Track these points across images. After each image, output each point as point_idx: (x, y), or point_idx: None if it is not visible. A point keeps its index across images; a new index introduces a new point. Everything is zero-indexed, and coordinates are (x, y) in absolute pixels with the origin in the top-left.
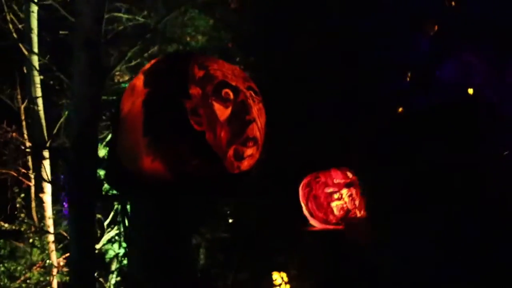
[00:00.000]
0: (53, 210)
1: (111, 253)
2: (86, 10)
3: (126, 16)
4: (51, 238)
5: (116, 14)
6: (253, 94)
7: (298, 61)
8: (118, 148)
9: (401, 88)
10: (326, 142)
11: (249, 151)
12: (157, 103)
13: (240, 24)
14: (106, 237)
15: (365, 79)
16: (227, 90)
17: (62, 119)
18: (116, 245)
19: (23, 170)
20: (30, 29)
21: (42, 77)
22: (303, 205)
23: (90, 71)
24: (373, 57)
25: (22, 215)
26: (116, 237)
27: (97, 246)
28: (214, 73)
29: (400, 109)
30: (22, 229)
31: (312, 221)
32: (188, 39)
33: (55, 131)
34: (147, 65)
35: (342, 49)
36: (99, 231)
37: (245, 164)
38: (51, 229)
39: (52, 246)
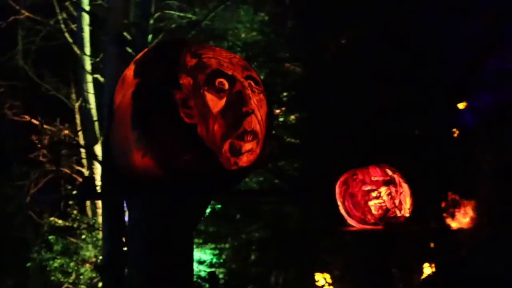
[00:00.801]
0: None
1: None
2: (117, 7)
3: (178, 13)
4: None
5: (167, 11)
6: (252, 84)
7: (344, 55)
8: (111, 143)
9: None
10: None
11: (247, 146)
12: (146, 95)
13: (287, 18)
14: None
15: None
16: (221, 79)
17: None
18: None
19: (76, 167)
20: (81, 30)
21: (93, 76)
22: (339, 203)
23: (122, 67)
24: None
25: (75, 212)
26: None
27: None
28: (207, 62)
29: (463, 105)
30: (75, 225)
31: (350, 221)
32: (242, 35)
33: None
34: (139, 55)
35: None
36: None
37: (244, 160)
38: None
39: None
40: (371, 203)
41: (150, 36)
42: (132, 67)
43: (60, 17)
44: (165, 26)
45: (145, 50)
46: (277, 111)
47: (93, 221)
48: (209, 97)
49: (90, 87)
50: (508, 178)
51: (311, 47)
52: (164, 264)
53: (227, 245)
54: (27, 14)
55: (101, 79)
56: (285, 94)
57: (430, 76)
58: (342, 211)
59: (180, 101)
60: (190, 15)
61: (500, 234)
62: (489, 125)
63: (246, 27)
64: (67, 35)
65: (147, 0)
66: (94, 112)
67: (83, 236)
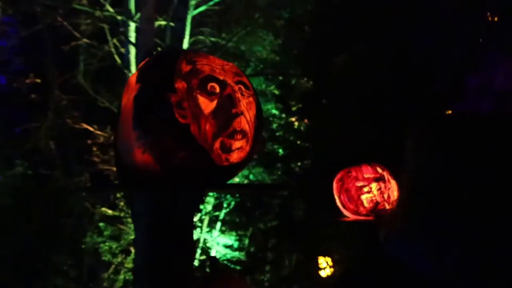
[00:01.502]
0: None
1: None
2: (147, 27)
3: (210, 38)
4: None
5: (200, 37)
6: (242, 88)
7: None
8: (118, 142)
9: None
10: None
11: (237, 144)
12: (145, 98)
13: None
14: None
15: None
16: (213, 84)
17: None
18: (198, 230)
19: None
20: (128, 52)
21: None
22: (336, 197)
23: None
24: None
25: (122, 203)
26: (199, 223)
27: None
28: (201, 68)
29: (448, 112)
30: (121, 214)
31: (345, 212)
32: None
33: None
34: (142, 63)
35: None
36: None
37: (235, 157)
38: None
39: None
40: (363, 197)
41: None
42: (135, 73)
43: (111, 43)
44: (199, 49)
45: (147, 59)
46: (293, 119)
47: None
48: (201, 100)
49: None
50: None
51: (317, 64)
52: (165, 252)
53: (247, 233)
54: (85, 40)
55: None
56: (294, 103)
57: (419, 88)
58: (338, 204)
59: (175, 103)
60: (219, 39)
61: (412, 226)
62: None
63: (266, 49)
64: (116, 57)
65: (182, 26)
66: None
67: (129, 224)
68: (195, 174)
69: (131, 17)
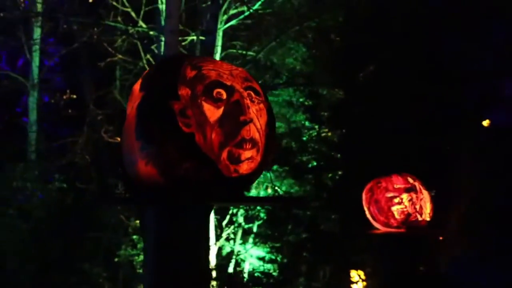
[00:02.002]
0: None
1: (227, 249)
2: (172, 40)
3: (242, 51)
4: None
5: (232, 50)
6: (252, 94)
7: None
8: (123, 153)
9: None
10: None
11: (247, 154)
12: (148, 106)
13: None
14: (224, 235)
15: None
16: (219, 89)
17: None
18: (231, 242)
19: None
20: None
21: None
22: (365, 209)
23: None
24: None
25: None
26: (232, 235)
27: (216, 244)
28: (206, 73)
29: (487, 123)
30: None
31: (375, 224)
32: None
33: None
34: (147, 70)
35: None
36: (218, 230)
37: (245, 168)
38: None
39: None
40: (393, 208)
41: None
42: (139, 81)
43: (145, 59)
44: (231, 62)
45: (152, 66)
46: (324, 129)
47: None
48: (207, 107)
49: None
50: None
51: (348, 74)
52: (172, 268)
53: (280, 245)
54: (120, 56)
55: None
56: (325, 114)
57: (455, 96)
58: (368, 216)
59: (178, 111)
60: (250, 52)
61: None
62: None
63: (297, 60)
64: None
65: (212, 40)
66: None
67: None
68: (202, 186)
69: (163, 33)
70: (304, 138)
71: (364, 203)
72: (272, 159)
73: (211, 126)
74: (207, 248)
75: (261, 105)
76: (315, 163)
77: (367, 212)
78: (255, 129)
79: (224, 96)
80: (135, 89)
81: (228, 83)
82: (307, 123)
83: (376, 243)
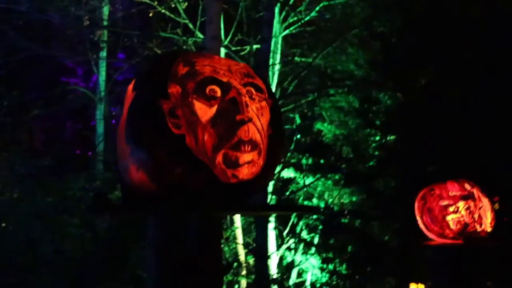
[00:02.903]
0: (244, 220)
1: (288, 259)
2: (213, 45)
3: (298, 58)
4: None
5: (296, 59)
6: (252, 91)
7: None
8: (117, 159)
9: None
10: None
11: (246, 157)
12: (138, 107)
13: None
14: (285, 245)
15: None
16: (213, 86)
17: None
18: (292, 252)
19: None
20: None
21: None
22: (418, 218)
23: None
24: None
25: None
26: (293, 245)
27: (277, 253)
28: (200, 69)
29: None
30: None
31: (429, 235)
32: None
33: None
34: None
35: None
36: (279, 240)
37: (245, 173)
38: (240, 238)
39: (241, 251)
40: (448, 217)
41: (275, 78)
42: (133, 81)
43: None
44: (290, 70)
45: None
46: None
47: (232, 232)
48: (198, 105)
49: None
50: None
51: (405, 78)
52: (173, 277)
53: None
54: None
55: None
56: (382, 118)
57: None
58: (421, 226)
59: (167, 111)
60: (308, 59)
61: None
62: None
63: (356, 65)
64: None
65: (267, 47)
66: None
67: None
68: (197, 193)
69: (220, 42)
70: (361, 145)
71: (416, 212)
72: (278, 163)
73: (203, 126)
74: (211, 259)
75: (263, 103)
76: (368, 170)
77: (419, 222)
78: (255, 129)
79: (219, 93)
80: (129, 89)
81: (224, 80)
82: (365, 130)
83: (431, 255)
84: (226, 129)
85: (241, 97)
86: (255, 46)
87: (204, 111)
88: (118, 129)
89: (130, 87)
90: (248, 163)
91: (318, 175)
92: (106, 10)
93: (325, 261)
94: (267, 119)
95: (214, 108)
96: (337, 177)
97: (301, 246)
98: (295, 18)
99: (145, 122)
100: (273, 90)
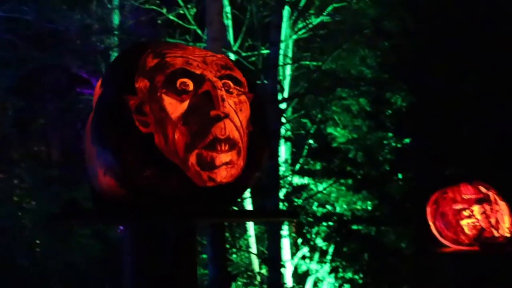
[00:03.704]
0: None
1: (303, 268)
2: (215, 47)
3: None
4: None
5: (302, 62)
6: (230, 84)
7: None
8: (86, 162)
9: None
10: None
11: (223, 157)
12: (103, 104)
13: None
14: (300, 254)
15: None
16: (184, 79)
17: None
18: (307, 260)
19: None
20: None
21: None
22: (430, 223)
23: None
24: None
25: (227, 234)
26: (308, 254)
27: (292, 262)
28: (170, 61)
29: None
30: (227, 246)
31: (443, 241)
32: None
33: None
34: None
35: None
36: (294, 248)
37: (223, 175)
38: (254, 246)
39: (255, 260)
40: (463, 222)
41: (286, 83)
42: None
43: None
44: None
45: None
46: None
47: (245, 242)
48: (168, 101)
49: None
50: None
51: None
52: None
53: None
54: None
55: None
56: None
57: None
58: (434, 232)
59: (134, 107)
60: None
61: None
62: None
63: (366, 67)
64: None
65: (275, 51)
66: None
67: (234, 256)
68: (170, 198)
69: (229, 48)
70: (374, 149)
71: (428, 217)
72: (261, 164)
73: (173, 124)
74: (186, 269)
75: (243, 97)
76: (385, 175)
77: (432, 228)
78: (233, 126)
79: (191, 87)
80: (97, 86)
81: (198, 72)
82: (378, 133)
83: (446, 263)
84: (199, 126)
85: (216, 91)
86: (264, 51)
87: (175, 107)
88: (85, 130)
89: (99, 83)
90: (226, 164)
91: (330, 181)
92: (116, 18)
93: (333, 270)
94: (246, 115)
95: (186, 103)
96: (350, 182)
97: (317, 254)
98: (304, 24)
99: (110, 120)
100: (286, 95)
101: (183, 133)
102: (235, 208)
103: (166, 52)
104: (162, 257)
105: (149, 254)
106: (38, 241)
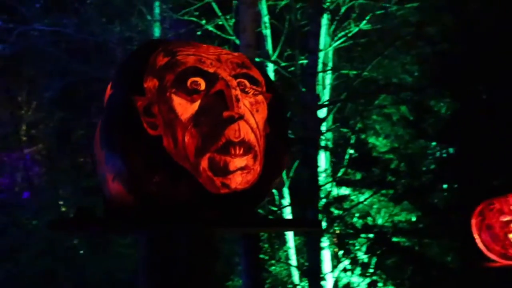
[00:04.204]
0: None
1: (344, 281)
2: (248, 54)
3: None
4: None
5: (343, 71)
6: (246, 83)
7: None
8: (97, 171)
9: None
10: None
11: (237, 162)
12: (110, 106)
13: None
14: (341, 266)
15: None
16: (195, 78)
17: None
18: (349, 273)
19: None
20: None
21: None
22: (476, 236)
23: None
24: None
25: (266, 245)
26: (348, 266)
27: (333, 274)
28: (182, 59)
29: None
30: (266, 258)
31: (490, 255)
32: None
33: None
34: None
35: None
36: (335, 260)
37: (237, 181)
38: (294, 258)
39: (295, 272)
40: (511, 235)
41: (326, 93)
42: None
43: None
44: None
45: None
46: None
47: (284, 253)
48: (177, 101)
49: None
50: None
51: (460, 86)
52: None
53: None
54: None
55: None
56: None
57: None
58: (480, 245)
59: (142, 109)
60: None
61: None
62: None
63: (408, 74)
64: None
65: (314, 59)
66: None
67: (273, 268)
68: (180, 206)
69: (268, 58)
70: (417, 158)
71: (473, 229)
72: (281, 170)
73: (183, 126)
74: (200, 282)
75: (260, 97)
76: (428, 185)
77: (478, 241)
78: (248, 128)
79: (202, 86)
80: (108, 88)
81: (211, 70)
82: (421, 142)
83: (493, 279)
84: (211, 128)
85: (230, 90)
86: (301, 61)
87: (184, 108)
88: (96, 134)
89: (110, 84)
90: (241, 170)
91: (371, 192)
92: (156, 31)
93: (372, 284)
94: (263, 116)
95: (197, 104)
96: (391, 192)
97: (359, 267)
98: (343, 33)
99: (117, 123)
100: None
101: (193, 135)
102: (267, 216)
103: (178, 50)
104: (175, 267)
105: (161, 264)
106: (80, 251)
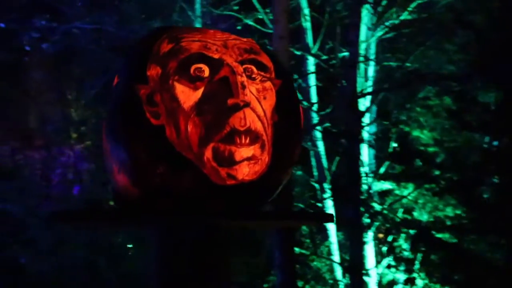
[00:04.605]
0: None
1: (388, 278)
2: (280, 45)
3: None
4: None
5: (385, 63)
6: (253, 69)
7: None
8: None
9: None
10: None
11: (244, 152)
12: (115, 95)
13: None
14: (385, 262)
15: None
16: (200, 65)
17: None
18: (393, 270)
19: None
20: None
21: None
22: None
23: None
24: None
25: (308, 240)
26: (392, 263)
27: (377, 271)
28: (186, 45)
29: None
30: (308, 253)
31: None
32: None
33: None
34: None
35: None
36: (379, 256)
37: (244, 172)
38: (337, 253)
39: (338, 268)
40: None
41: (370, 83)
42: None
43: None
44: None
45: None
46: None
47: (326, 249)
48: (180, 89)
49: (318, 135)
50: None
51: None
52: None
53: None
54: None
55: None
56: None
57: None
58: None
59: (145, 97)
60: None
61: None
62: None
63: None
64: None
65: (354, 51)
66: (322, 155)
67: (314, 262)
68: (185, 198)
69: (308, 51)
70: (459, 150)
71: None
72: (292, 160)
73: (185, 114)
74: (209, 274)
75: (267, 84)
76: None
77: None
78: (255, 116)
79: (206, 73)
80: (116, 78)
81: (215, 56)
82: (466, 134)
83: None
84: (215, 116)
85: (235, 77)
86: (342, 54)
87: (187, 96)
88: (102, 126)
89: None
90: (248, 160)
91: (414, 186)
92: (198, 25)
93: (409, 281)
94: (271, 104)
95: (200, 91)
96: (434, 186)
97: (403, 263)
98: (388, 23)
99: (120, 112)
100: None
101: (196, 124)
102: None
103: (183, 37)
104: (183, 259)
105: (170, 256)
106: (128, 245)
